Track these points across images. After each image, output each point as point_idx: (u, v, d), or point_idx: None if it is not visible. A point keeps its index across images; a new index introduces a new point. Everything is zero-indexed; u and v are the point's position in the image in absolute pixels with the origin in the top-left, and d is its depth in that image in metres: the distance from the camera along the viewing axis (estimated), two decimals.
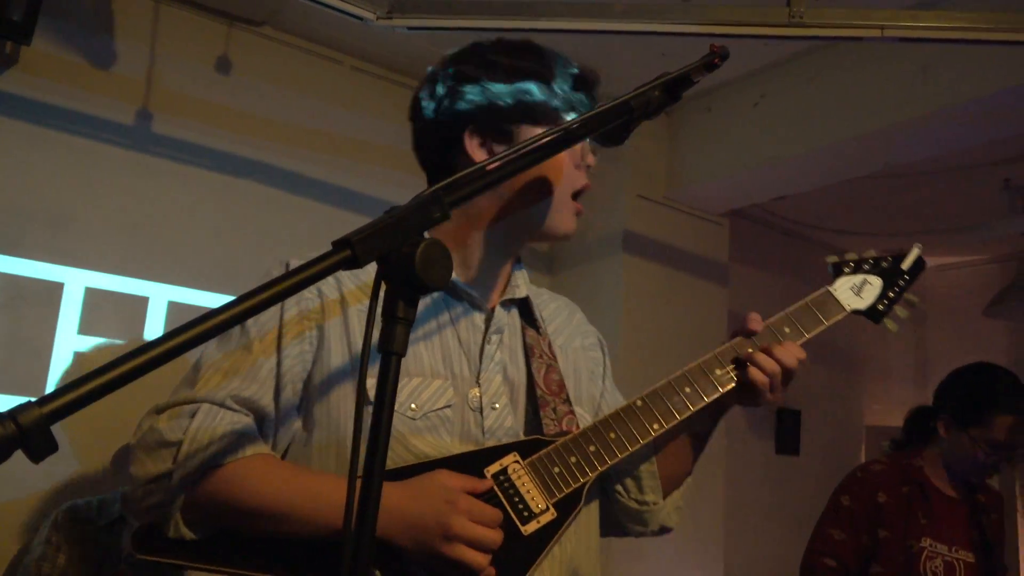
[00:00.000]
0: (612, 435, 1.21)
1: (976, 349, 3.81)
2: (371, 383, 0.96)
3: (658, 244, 3.60)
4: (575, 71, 1.30)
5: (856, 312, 1.43)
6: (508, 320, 1.30)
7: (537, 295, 1.40)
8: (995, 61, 2.52)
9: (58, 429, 0.59)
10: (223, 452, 1.06)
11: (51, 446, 0.59)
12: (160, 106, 2.80)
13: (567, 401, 1.28)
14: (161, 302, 2.73)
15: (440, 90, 1.27)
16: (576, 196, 1.29)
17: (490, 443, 1.18)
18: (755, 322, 1.33)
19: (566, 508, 1.15)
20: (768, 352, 1.29)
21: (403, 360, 0.80)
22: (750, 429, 4.50)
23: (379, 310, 0.79)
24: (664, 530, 1.42)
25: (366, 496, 0.76)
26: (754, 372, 1.27)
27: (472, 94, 1.24)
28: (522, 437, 1.21)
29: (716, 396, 1.29)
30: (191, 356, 1.11)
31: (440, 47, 1.34)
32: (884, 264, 1.47)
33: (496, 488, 1.12)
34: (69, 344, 2.56)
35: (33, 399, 0.59)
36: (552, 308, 1.43)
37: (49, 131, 2.59)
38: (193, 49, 2.88)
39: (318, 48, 3.15)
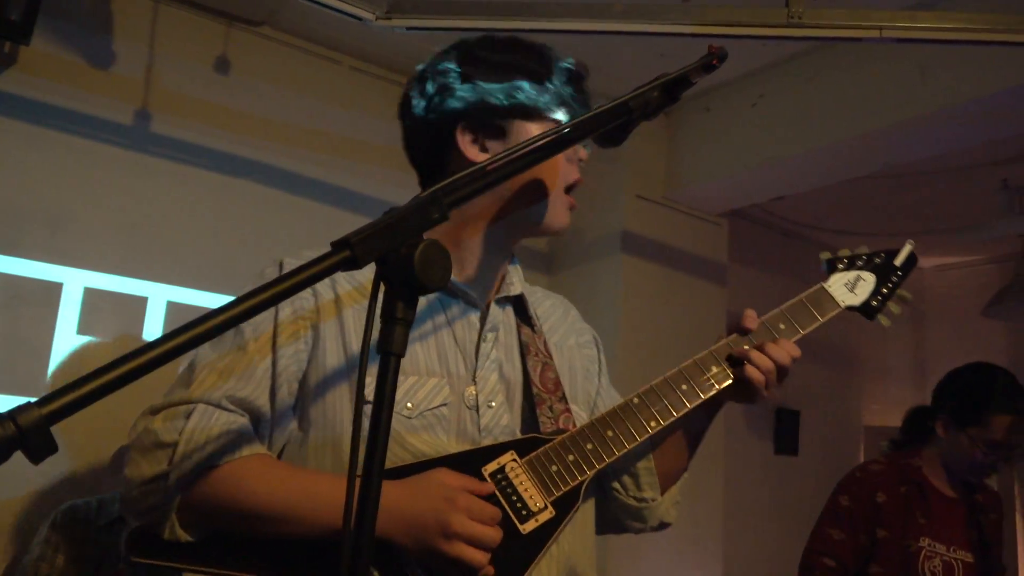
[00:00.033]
0: (609, 433, 1.21)
1: (975, 349, 3.81)
2: (369, 382, 0.96)
3: (657, 244, 3.60)
4: (564, 65, 1.30)
5: (850, 308, 1.44)
6: (503, 318, 1.31)
7: (531, 293, 1.40)
8: (993, 62, 2.52)
9: (58, 429, 0.59)
10: (219, 453, 1.05)
11: (51, 447, 0.58)
12: (159, 106, 2.80)
13: (563, 399, 1.28)
14: (160, 302, 2.73)
15: (430, 88, 1.27)
16: (569, 190, 1.30)
17: (486, 441, 1.18)
18: (750, 319, 1.34)
19: (564, 506, 1.15)
20: (763, 349, 1.29)
21: None
22: (749, 429, 4.51)
23: (378, 310, 0.79)
24: (663, 526, 1.42)
25: (365, 495, 0.76)
26: (750, 370, 1.28)
27: (463, 91, 1.24)
28: (519, 435, 1.21)
29: (713, 393, 1.29)
30: (185, 356, 1.11)
31: (439, 47, 1.35)
32: (877, 260, 1.48)
33: (494, 487, 1.12)
34: (68, 344, 2.56)
35: (32, 399, 0.59)
36: (547, 306, 1.43)
37: (48, 131, 2.59)
38: (192, 49, 2.88)
39: (317, 48, 3.15)
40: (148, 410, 1.10)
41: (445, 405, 1.17)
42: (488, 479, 1.13)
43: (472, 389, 1.21)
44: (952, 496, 2.46)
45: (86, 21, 2.69)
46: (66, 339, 2.56)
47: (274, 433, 1.15)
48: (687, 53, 1.21)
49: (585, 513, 1.28)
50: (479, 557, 1.03)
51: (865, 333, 5.07)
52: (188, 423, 1.05)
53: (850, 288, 1.44)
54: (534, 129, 1.25)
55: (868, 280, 1.46)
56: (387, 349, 0.78)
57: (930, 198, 4.14)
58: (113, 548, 2.13)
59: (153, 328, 2.70)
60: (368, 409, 0.79)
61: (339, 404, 1.15)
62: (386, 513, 0.95)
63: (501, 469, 1.14)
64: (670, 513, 1.42)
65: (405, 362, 1.16)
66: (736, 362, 1.30)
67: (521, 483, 1.14)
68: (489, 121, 1.24)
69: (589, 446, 1.19)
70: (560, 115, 1.27)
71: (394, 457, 1.11)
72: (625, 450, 1.21)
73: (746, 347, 1.30)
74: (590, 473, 1.18)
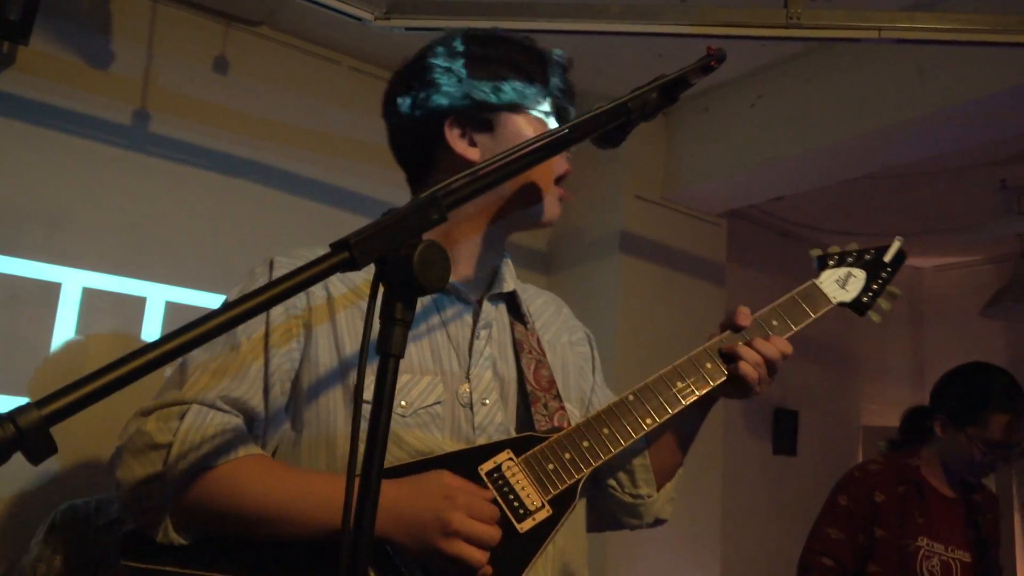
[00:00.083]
0: (605, 430, 1.21)
1: (973, 349, 3.81)
2: (367, 383, 0.96)
3: (655, 244, 3.60)
4: (548, 55, 1.30)
5: (842, 304, 1.45)
6: (496, 315, 1.30)
7: (524, 290, 1.40)
8: (992, 62, 2.53)
9: (57, 429, 0.59)
10: (215, 454, 1.04)
11: (50, 448, 0.58)
12: (157, 106, 2.79)
13: (557, 397, 1.28)
14: (159, 302, 2.73)
15: (415, 85, 1.27)
16: (559, 181, 1.30)
17: (481, 439, 1.18)
18: (743, 316, 1.34)
19: (562, 505, 1.15)
20: (756, 346, 1.31)
21: None
22: (747, 429, 4.51)
23: (376, 311, 0.79)
24: (658, 522, 1.43)
25: (364, 495, 0.76)
26: (743, 366, 1.29)
27: (448, 86, 1.23)
28: (514, 434, 1.21)
29: (707, 390, 1.30)
30: None
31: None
32: (867, 257, 1.50)
33: (492, 487, 1.12)
34: (66, 344, 2.56)
35: (29, 400, 0.59)
36: (539, 303, 1.43)
37: (46, 131, 2.58)
38: (190, 49, 2.88)
39: (315, 48, 3.15)
40: (139, 412, 1.08)
41: (439, 403, 1.17)
42: (484, 478, 1.12)
43: (466, 387, 1.20)
44: (950, 496, 2.46)
45: (85, 21, 2.68)
46: (65, 339, 2.56)
47: (268, 433, 1.15)
48: (686, 53, 1.21)
49: (577, 511, 1.28)
50: (478, 556, 1.02)
51: (863, 333, 5.08)
52: (182, 424, 1.04)
53: (841, 284, 1.45)
54: (521, 121, 1.25)
55: (858, 276, 1.47)
56: (387, 350, 0.79)
57: (929, 198, 4.15)
58: (112, 548, 2.13)
59: (152, 328, 2.70)
60: (366, 409, 0.79)
61: (332, 404, 1.14)
62: (385, 512, 0.95)
63: (497, 468, 1.14)
64: (665, 509, 1.42)
65: None
66: (730, 358, 1.31)
67: (518, 482, 1.14)
68: (477, 115, 1.24)
69: (586, 444, 1.19)
70: (547, 106, 1.27)
71: (389, 456, 1.10)
72: (622, 447, 1.21)
73: (739, 344, 1.31)
74: (587, 471, 1.18)
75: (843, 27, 2.16)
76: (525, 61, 1.27)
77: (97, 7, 2.69)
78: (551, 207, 1.29)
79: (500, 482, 1.13)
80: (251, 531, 1.05)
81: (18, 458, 0.59)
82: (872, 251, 1.50)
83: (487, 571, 1.04)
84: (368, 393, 0.88)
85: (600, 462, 1.19)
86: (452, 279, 1.25)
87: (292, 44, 3.09)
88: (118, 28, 2.72)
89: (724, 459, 3.76)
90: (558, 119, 1.29)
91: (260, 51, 3.02)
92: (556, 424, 1.24)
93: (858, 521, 2.42)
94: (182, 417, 1.05)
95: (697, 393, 1.29)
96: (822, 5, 2.15)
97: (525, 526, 1.12)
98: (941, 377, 2.56)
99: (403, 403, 1.14)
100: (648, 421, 1.24)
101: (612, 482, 1.39)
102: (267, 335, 1.15)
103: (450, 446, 1.15)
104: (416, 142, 1.29)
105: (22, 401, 0.59)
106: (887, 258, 1.50)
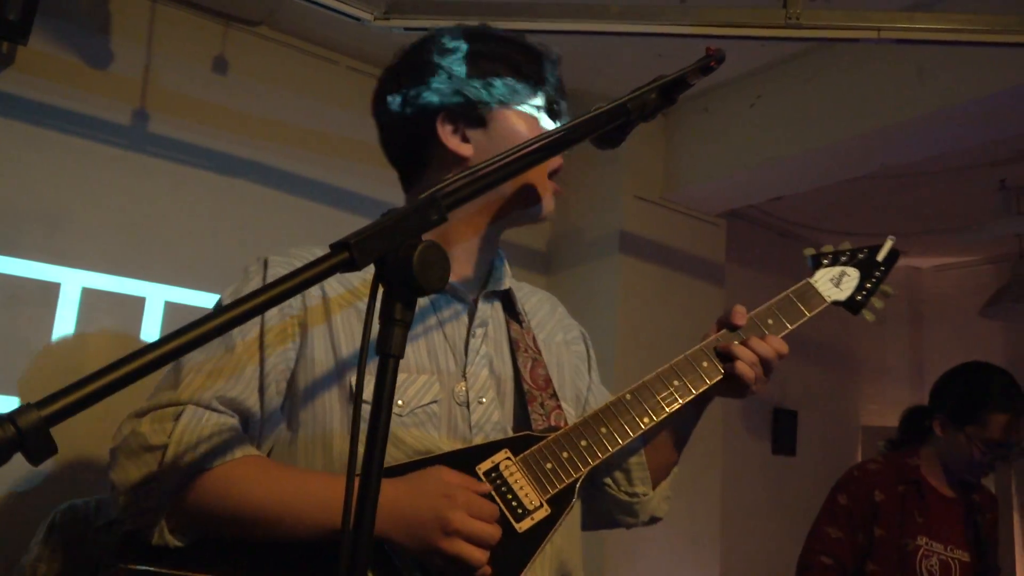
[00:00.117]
0: (603, 429, 1.21)
1: (972, 350, 3.81)
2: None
3: (655, 245, 3.61)
4: (538, 50, 1.30)
5: (836, 303, 1.46)
6: (492, 313, 1.30)
7: (519, 288, 1.40)
8: (991, 62, 2.53)
9: (57, 429, 0.59)
10: (211, 455, 1.03)
11: (51, 448, 0.58)
12: (157, 106, 2.79)
13: (554, 396, 1.28)
14: (158, 302, 2.72)
15: (405, 82, 1.26)
16: (552, 175, 1.30)
17: (478, 438, 1.17)
18: (739, 315, 1.35)
19: (560, 504, 1.15)
20: (752, 345, 1.31)
21: None
22: (747, 429, 4.51)
23: (374, 312, 0.79)
24: (653, 520, 1.44)
25: (364, 495, 0.76)
26: (740, 365, 1.29)
27: (439, 82, 1.23)
28: (511, 433, 1.21)
29: (704, 389, 1.30)
30: None
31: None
32: (860, 256, 1.50)
33: (490, 486, 1.12)
34: (66, 344, 2.55)
35: (23, 400, 0.59)
36: (534, 301, 1.43)
37: (46, 131, 2.58)
38: (190, 49, 2.88)
39: (315, 48, 3.15)
40: (133, 413, 1.07)
41: (436, 402, 1.17)
42: (483, 478, 1.12)
43: (462, 385, 1.20)
44: (950, 496, 2.46)
45: (84, 21, 2.68)
46: (64, 339, 2.55)
47: (263, 433, 1.14)
48: (685, 53, 1.22)
49: (574, 510, 1.28)
50: (478, 555, 1.02)
51: (863, 333, 5.08)
52: (178, 425, 1.03)
53: (835, 283, 1.46)
54: (513, 116, 1.25)
55: (852, 275, 1.48)
56: (386, 350, 0.79)
57: (928, 198, 4.15)
58: (111, 549, 2.12)
59: (151, 328, 2.70)
60: (364, 409, 0.78)
61: (329, 404, 1.14)
62: (384, 511, 0.95)
63: (495, 467, 1.13)
64: (661, 507, 1.43)
65: None
66: (726, 357, 1.31)
67: (516, 481, 1.13)
68: (469, 111, 1.23)
69: (583, 443, 1.19)
70: (539, 100, 1.27)
71: (386, 455, 1.10)
72: (619, 446, 1.21)
73: (735, 343, 1.32)
74: (585, 470, 1.18)
75: (842, 27, 2.16)
76: (515, 56, 1.27)
77: (96, 7, 2.68)
78: (548, 203, 1.29)
79: (498, 482, 1.13)
80: (248, 532, 1.04)
81: (18, 458, 0.59)
82: (865, 250, 1.51)
83: (486, 571, 1.03)
84: (366, 393, 0.88)
85: (598, 461, 1.19)
86: (451, 279, 1.24)
87: (291, 44, 3.09)
88: (117, 28, 2.72)
89: (723, 459, 3.76)
90: (550, 114, 1.29)
91: (259, 51, 3.02)
92: (553, 423, 1.23)
93: (858, 520, 2.42)
94: (177, 418, 1.04)
95: (694, 392, 1.29)
96: (821, 5, 2.15)
97: (524, 526, 1.11)
98: (940, 377, 2.56)
99: (400, 402, 1.14)
100: (646, 420, 1.24)
101: (608, 481, 1.39)
102: (262, 335, 1.14)
103: (447, 445, 1.15)
104: (408, 140, 1.29)
105: (21, 402, 0.59)
106: (880, 257, 1.51)
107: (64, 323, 2.56)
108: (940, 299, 5.24)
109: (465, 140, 1.24)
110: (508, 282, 1.34)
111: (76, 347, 2.58)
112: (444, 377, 1.19)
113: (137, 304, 2.69)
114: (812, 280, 1.46)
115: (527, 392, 1.25)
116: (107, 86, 2.70)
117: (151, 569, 1.03)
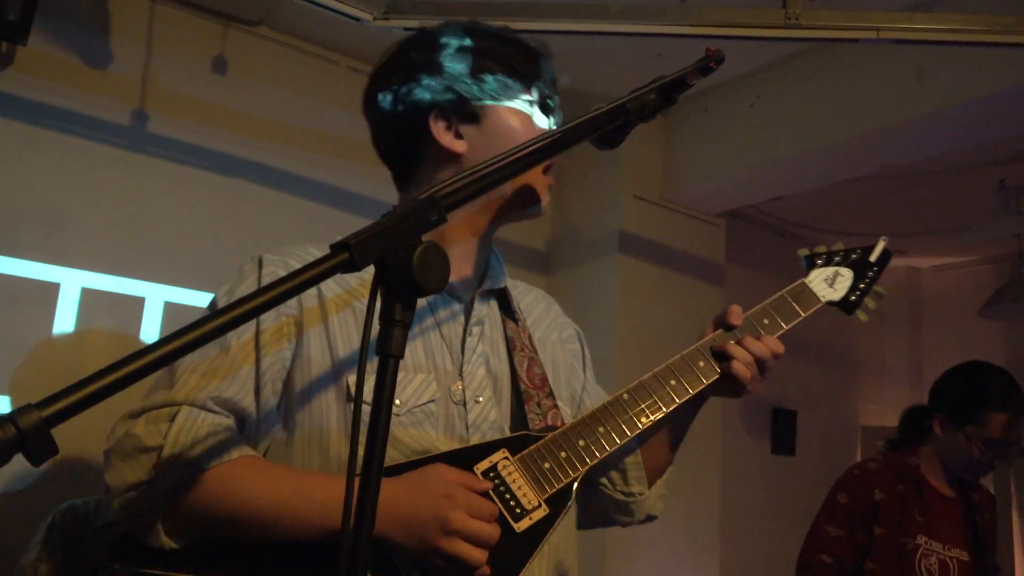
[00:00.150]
0: (601, 429, 1.21)
1: (971, 350, 3.80)
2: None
3: (654, 245, 3.61)
4: (529, 45, 1.29)
5: (830, 303, 1.47)
6: (488, 311, 1.30)
7: (514, 286, 1.40)
8: (991, 62, 2.53)
9: (57, 429, 0.59)
10: (207, 456, 1.02)
11: (51, 449, 0.58)
12: (156, 106, 2.79)
13: (550, 395, 1.28)
14: (157, 302, 2.72)
15: (397, 80, 1.25)
16: (546, 171, 1.29)
17: (475, 437, 1.17)
18: (735, 315, 1.35)
19: (558, 504, 1.15)
20: (747, 345, 1.31)
21: None
22: (746, 429, 4.51)
23: (373, 313, 0.79)
24: (649, 519, 1.44)
25: (364, 496, 0.76)
26: (736, 365, 1.30)
27: (431, 79, 1.23)
28: (507, 432, 1.21)
29: (701, 388, 1.31)
30: None
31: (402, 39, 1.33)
32: (854, 256, 1.51)
33: (489, 484, 1.12)
34: (65, 345, 2.55)
35: (21, 401, 0.59)
36: (529, 300, 1.43)
37: (45, 131, 2.58)
38: (189, 49, 2.88)
39: (314, 48, 3.15)
40: (127, 414, 1.06)
41: (433, 401, 1.16)
42: (481, 478, 1.12)
43: (459, 384, 1.20)
44: (949, 495, 2.46)
45: (83, 21, 2.68)
46: (64, 339, 2.55)
47: (259, 433, 1.14)
48: (685, 53, 1.22)
49: (570, 509, 1.28)
50: (477, 555, 1.02)
51: (862, 333, 5.08)
52: (173, 426, 1.02)
53: (830, 283, 1.47)
54: (506, 111, 1.24)
55: (846, 276, 1.49)
56: (386, 351, 0.79)
57: (927, 198, 4.15)
58: (107, 550, 2.12)
59: (151, 328, 2.70)
60: (363, 410, 0.78)
61: (325, 404, 1.13)
62: (383, 511, 0.95)
63: (493, 467, 1.13)
64: (656, 506, 1.43)
65: None
66: (722, 357, 1.32)
67: (514, 481, 1.13)
68: (462, 107, 1.23)
69: (581, 443, 1.19)
70: (531, 95, 1.27)
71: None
72: (617, 446, 1.22)
73: (731, 343, 1.32)
74: (583, 470, 1.18)
75: (842, 27, 2.16)
76: (507, 51, 1.26)
77: (96, 7, 2.68)
78: (544, 200, 1.30)
79: (496, 481, 1.12)
80: (246, 534, 1.04)
81: (18, 458, 0.59)
82: (858, 251, 1.52)
83: (485, 571, 1.03)
84: (365, 394, 0.88)
85: (596, 460, 1.19)
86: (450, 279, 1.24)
87: (291, 44, 3.09)
88: (117, 28, 2.72)
89: (723, 459, 3.76)
90: (543, 109, 1.28)
91: (259, 51, 3.02)
92: (549, 422, 1.23)
93: (857, 519, 2.42)
94: (172, 419, 1.03)
95: (691, 391, 1.29)
96: (820, 5, 2.16)
97: (522, 525, 1.11)
98: (940, 376, 2.56)
99: (397, 401, 1.13)
100: (643, 420, 1.25)
101: (604, 480, 1.39)
102: (258, 335, 1.13)
103: (444, 444, 1.15)
104: (400, 137, 1.28)
105: (20, 402, 0.59)
106: (873, 258, 1.52)
107: (64, 323, 2.56)
108: (939, 299, 5.24)
109: (458, 136, 1.23)
110: (504, 280, 1.34)
111: (76, 347, 2.58)
112: (441, 376, 1.19)
113: (136, 304, 2.69)
114: (807, 280, 1.47)
115: (524, 391, 1.25)
116: (106, 86, 2.70)
117: (147, 571, 1.03)
